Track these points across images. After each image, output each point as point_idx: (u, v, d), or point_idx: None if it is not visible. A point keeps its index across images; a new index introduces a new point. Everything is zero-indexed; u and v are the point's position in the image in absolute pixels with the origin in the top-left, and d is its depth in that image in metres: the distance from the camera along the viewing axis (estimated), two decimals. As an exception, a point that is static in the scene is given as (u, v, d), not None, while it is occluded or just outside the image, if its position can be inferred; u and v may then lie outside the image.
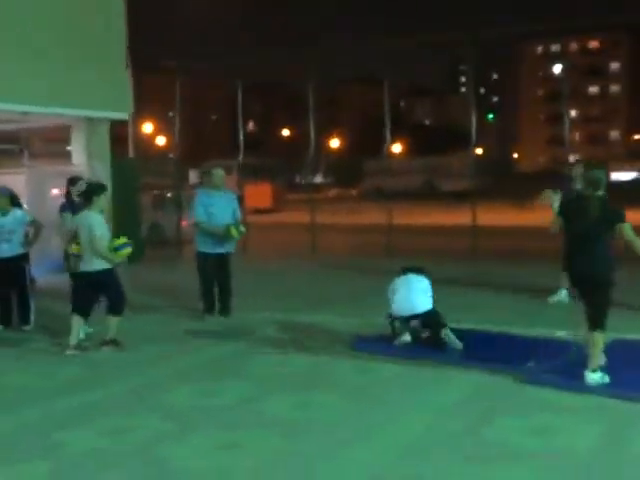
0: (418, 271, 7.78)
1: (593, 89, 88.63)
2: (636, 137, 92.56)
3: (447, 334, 7.30)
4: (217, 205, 9.35)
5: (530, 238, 17.72)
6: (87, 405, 6.06)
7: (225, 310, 9.56)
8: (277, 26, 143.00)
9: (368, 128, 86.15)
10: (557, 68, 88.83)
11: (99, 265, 7.69)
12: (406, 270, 7.80)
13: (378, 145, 78.53)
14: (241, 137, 19.45)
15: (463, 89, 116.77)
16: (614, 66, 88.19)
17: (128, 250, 7.87)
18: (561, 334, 8.04)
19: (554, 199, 7.42)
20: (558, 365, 6.59)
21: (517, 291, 10.95)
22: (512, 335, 7.95)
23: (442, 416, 5.58)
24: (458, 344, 7.23)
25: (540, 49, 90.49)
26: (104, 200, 7.97)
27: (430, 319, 7.48)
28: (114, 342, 7.85)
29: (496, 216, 26.91)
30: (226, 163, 47.67)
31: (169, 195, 21.95)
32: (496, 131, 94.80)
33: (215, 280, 9.50)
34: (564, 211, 6.51)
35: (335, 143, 77.29)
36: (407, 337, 7.55)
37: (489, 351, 7.23)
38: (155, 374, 7.03)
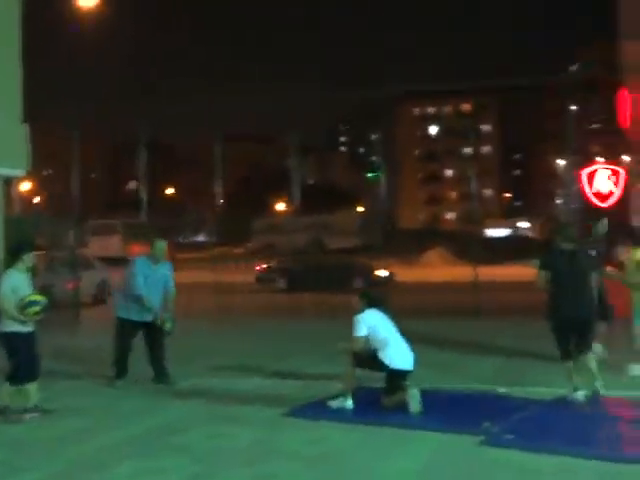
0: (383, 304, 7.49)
1: (467, 150, 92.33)
2: (507, 195, 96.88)
3: (414, 395, 6.97)
4: (153, 277, 8.87)
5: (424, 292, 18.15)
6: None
7: (166, 376, 8.97)
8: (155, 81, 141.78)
9: (252, 186, 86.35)
10: (433, 129, 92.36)
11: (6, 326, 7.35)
12: (373, 300, 7.44)
13: (262, 203, 78.93)
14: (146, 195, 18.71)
15: (343, 148, 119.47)
16: (486, 128, 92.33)
17: (35, 309, 7.36)
18: (504, 390, 8.01)
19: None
20: (513, 425, 6.45)
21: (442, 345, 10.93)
22: (466, 394, 7.80)
23: (412, 485, 5.27)
24: (419, 407, 6.93)
25: (417, 111, 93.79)
26: (30, 258, 7.59)
27: (403, 379, 7.16)
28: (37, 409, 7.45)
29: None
30: (109, 223, 46.59)
31: (58, 255, 21.05)
32: (376, 190, 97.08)
33: (147, 347, 9.01)
34: (553, 266, 7.43)
35: (220, 201, 76.67)
36: (350, 403, 7.20)
37: (444, 412, 7.01)
38: (84, 450, 6.37)
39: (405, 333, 7.49)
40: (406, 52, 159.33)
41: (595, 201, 35.77)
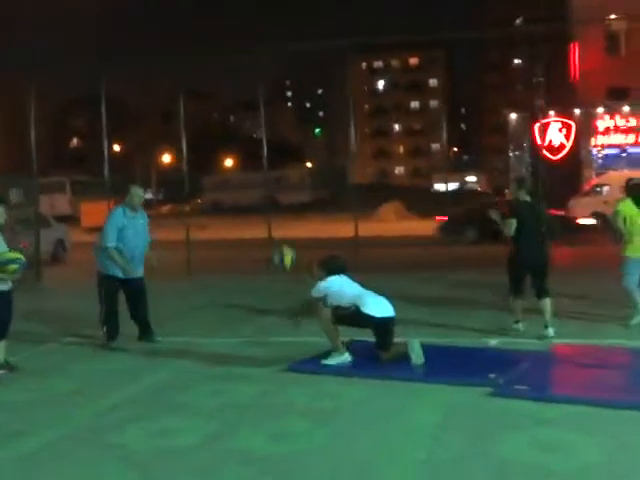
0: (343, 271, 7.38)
1: (414, 104, 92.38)
2: (455, 150, 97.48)
3: (414, 346, 6.89)
4: (134, 227, 8.55)
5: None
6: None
7: (150, 334, 8.75)
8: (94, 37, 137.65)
9: (199, 143, 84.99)
10: (380, 84, 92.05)
11: None
12: (332, 268, 7.33)
13: (210, 160, 77.85)
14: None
15: (289, 103, 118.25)
16: (432, 82, 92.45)
17: (13, 267, 7.14)
18: (494, 342, 8.02)
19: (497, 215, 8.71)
20: (520, 375, 6.42)
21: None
22: (468, 348, 7.74)
23: (435, 439, 5.17)
24: (421, 358, 6.85)
25: (364, 65, 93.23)
26: (1, 214, 7.36)
27: (392, 327, 7.07)
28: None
29: (342, 227, 27.39)
30: (57, 180, 45.28)
31: (12, 213, 20.39)
32: (325, 145, 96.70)
33: (130, 303, 8.73)
34: (519, 215, 8.34)
35: (166, 159, 75.58)
36: (347, 356, 7.11)
37: (443, 365, 6.94)
38: (92, 412, 6.14)
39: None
40: (352, 5, 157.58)
41: (547, 154, 36.26)
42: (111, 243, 8.39)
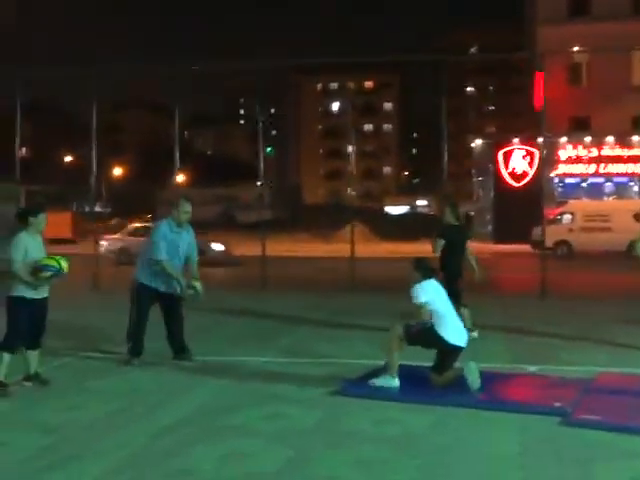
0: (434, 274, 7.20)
1: (368, 127, 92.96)
2: (406, 173, 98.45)
3: (472, 370, 6.70)
4: (174, 243, 8.18)
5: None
6: None
7: (187, 352, 8.35)
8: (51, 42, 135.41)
9: (152, 157, 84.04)
10: (335, 105, 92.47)
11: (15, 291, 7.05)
12: (426, 270, 7.09)
13: (162, 174, 76.87)
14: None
15: (242, 121, 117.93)
16: (387, 106, 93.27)
17: (46, 274, 6.97)
18: (534, 369, 7.90)
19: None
20: (587, 403, 6.28)
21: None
22: (518, 374, 7.62)
23: (524, 469, 4.98)
24: (478, 383, 6.67)
25: (319, 86, 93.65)
26: (40, 220, 7.16)
27: (458, 355, 6.91)
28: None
29: (312, 246, 27.34)
30: (9, 188, 44.08)
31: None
32: (276, 164, 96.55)
33: (166, 322, 8.34)
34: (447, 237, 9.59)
35: (118, 171, 74.46)
36: (396, 382, 6.87)
37: (504, 392, 6.78)
38: (146, 435, 5.77)
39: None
40: (307, 26, 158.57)
41: (510, 181, 36.73)
42: (163, 256, 8.02)
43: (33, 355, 7.19)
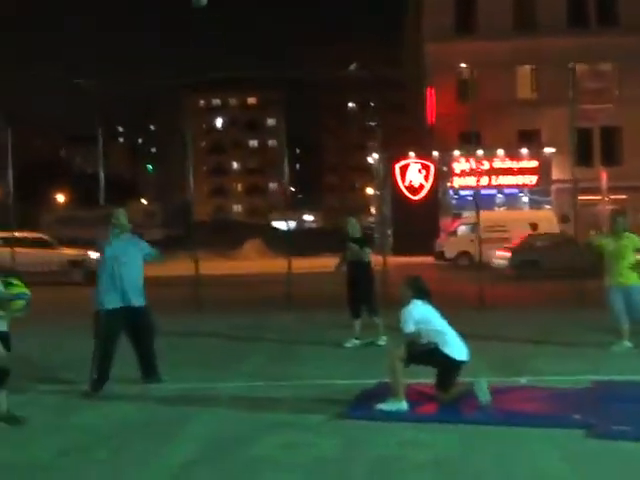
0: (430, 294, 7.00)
1: (253, 142, 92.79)
2: (292, 189, 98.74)
3: (482, 386, 6.56)
4: (125, 254, 7.79)
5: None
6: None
7: (156, 374, 7.95)
8: None
9: (26, 176, 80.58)
10: (219, 121, 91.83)
11: None
12: (419, 289, 6.90)
13: (39, 194, 73.83)
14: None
15: (121, 139, 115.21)
16: (271, 122, 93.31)
17: (20, 303, 6.46)
18: (524, 381, 7.87)
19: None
20: (608, 415, 6.25)
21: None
22: (519, 386, 7.55)
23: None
24: (488, 398, 6.54)
25: (202, 102, 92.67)
26: None
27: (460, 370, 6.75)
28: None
29: (208, 264, 26.83)
30: None
31: None
32: (158, 182, 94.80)
33: (133, 341, 7.90)
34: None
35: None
36: (404, 404, 6.63)
37: (516, 406, 6.65)
38: (164, 474, 5.29)
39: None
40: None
41: (407, 194, 37.35)
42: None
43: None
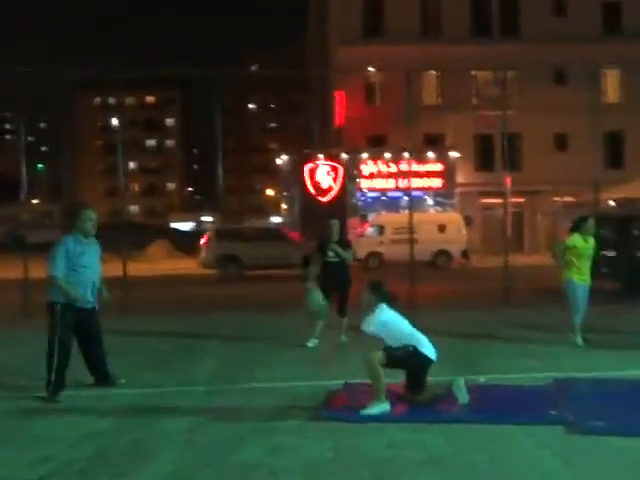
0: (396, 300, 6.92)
1: (151, 142, 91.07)
2: (190, 189, 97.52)
3: (460, 385, 6.57)
4: (88, 254, 7.43)
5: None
6: None
7: (109, 378, 7.66)
8: None
9: None
10: (115, 120, 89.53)
11: None
12: (384, 295, 6.79)
13: None
14: None
15: (8, 136, 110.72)
16: (169, 121, 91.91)
17: None
18: (483, 379, 7.95)
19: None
20: (583, 410, 6.39)
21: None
22: (489, 385, 7.55)
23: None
24: (466, 397, 6.57)
25: (97, 100, 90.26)
26: None
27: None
28: None
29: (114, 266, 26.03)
30: None
31: None
32: (49, 181, 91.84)
33: (85, 342, 7.60)
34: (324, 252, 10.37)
35: None
36: (387, 406, 6.56)
37: (493, 404, 6.71)
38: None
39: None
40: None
41: (316, 195, 37.40)
42: (57, 272, 7.30)
43: None
